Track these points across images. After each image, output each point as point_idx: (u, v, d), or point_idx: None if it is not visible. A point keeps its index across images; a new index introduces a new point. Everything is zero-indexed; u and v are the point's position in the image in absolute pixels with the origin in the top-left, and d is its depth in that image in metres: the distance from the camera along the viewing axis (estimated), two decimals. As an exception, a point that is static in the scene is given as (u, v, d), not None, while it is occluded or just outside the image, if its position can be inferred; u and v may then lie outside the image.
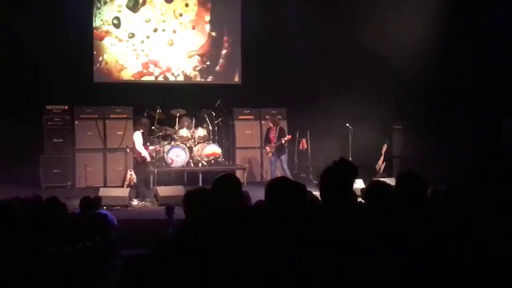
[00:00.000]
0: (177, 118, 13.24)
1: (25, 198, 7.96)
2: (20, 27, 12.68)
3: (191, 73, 14.77)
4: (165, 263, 3.49)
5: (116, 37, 14.25)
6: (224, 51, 14.93)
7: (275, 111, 14.39)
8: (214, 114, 13.47)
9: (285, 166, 12.76)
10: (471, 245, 3.21)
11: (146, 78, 14.46)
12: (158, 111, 12.64)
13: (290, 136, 12.79)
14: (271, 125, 12.96)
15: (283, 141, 12.64)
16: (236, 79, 14.94)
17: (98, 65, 14.15)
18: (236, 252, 3.35)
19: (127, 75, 14.36)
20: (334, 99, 13.22)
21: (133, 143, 11.70)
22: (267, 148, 13.01)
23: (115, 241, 8.10)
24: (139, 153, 11.43)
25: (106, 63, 14.19)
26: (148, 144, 11.85)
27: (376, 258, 3.20)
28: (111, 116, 13.56)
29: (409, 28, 12.52)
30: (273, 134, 12.84)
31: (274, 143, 12.74)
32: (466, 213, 3.36)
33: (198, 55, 14.80)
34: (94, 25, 14.07)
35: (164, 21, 14.55)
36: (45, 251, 5.25)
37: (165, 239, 3.99)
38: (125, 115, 13.57)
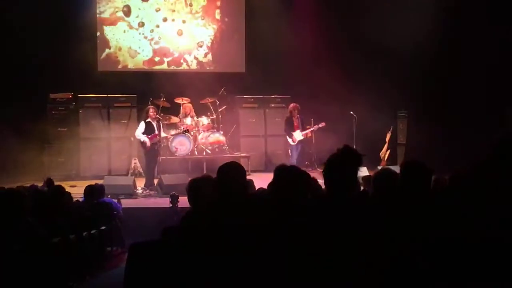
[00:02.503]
0: (181, 107, 13.24)
1: (30, 187, 8.01)
2: (24, 15, 12.67)
3: (201, 59, 14.82)
4: (169, 251, 3.50)
5: (128, 25, 14.27)
6: (229, 40, 14.90)
7: (279, 99, 14.39)
8: (218, 102, 13.47)
9: (296, 154, 12.73)
10: (474, 234, 3.21)
11: (157, 66, 14.49)
12: (162, 99, 12.62)
13: (324, 123, 12.74)
14: (294, 114, 12.74)
15: (317, 128, 12.71)
16: (240, 67, 14.92)
17: (107, 52, 14.14)
18: (240, 239, 3.35)
19: (138, 61, 14.36)
20: (338, 86, 13.18)
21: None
22: (294, 136, 12.65)
23: (120, 229, 8.14)
24: (140, 142, 11.35)
25: (119, 49, 14.23)
26: (157, 132, 11.61)
27: (379, 246, 3.20)
28: (115, 104, 13.53)
29: (416, 16, 12.46)
30: (296, 123, 12.71)
31: (302, 130, 12.63)
32: (474, 202, 3.36)
33: (206, 44, 14.78)
34: (98, 13, 14.03)
35: (174, 10, 14.54)
36: (50, 240, 5.27)
37: (170, 227, 3.99)
38: (129, 104, 13.55)
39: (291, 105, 12.95)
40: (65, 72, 12.99)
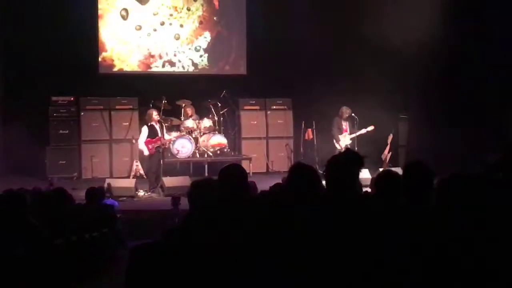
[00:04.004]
0: (182, 109, 13.24)
1: (33, 189, 8.01)
2: (25, 17, 12.70)
3: (199, 63, 14.76)
4: (171, 253, 3.50)
5: (125, 28, 14.23)
6: (230, 42, 14.89)
7: (281, 101, 14.40)
8: (219, 104, 13.46)
9: None
10: (483, 238, 3.20)
11: (152, 70, 14.45)
12: (163, 101, 12.62)
13: (374, 127, 12.46)
14: (346, 115, 12.55)
15: (365, 132, 12.40)
16: (242, 69, 14.90)
17: (103, 55, 14.13)
18: (242, 241, 3.35)
19: (134, 64, 14.34)
20: (340, 88, 13.18)
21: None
22: (341, 141, 12.43)
23: (121, 231, 8.14)
24: (148, 146, 11.36)
25: (116, 53, 14.18)
26: (160, 135, 11.60)
27: (380, 246, 3.20)
28: (117, 107, 13.53)
29: (418, 17, 12.43)
30: (345, 126, 12.57)
31: (349, 133, 12.48)
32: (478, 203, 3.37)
33: (205, 48, 14.76)
34: (99, 14, 14.02)
35: (171, 15, 14.52)
36: (52, 242, 5.27)
37: (171, 230, 3.99)
38: (131, 106, 13.55)
39: (343, 107, 12.63)
40: (67, 74, 12.99)
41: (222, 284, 3.26)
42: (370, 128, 12.49)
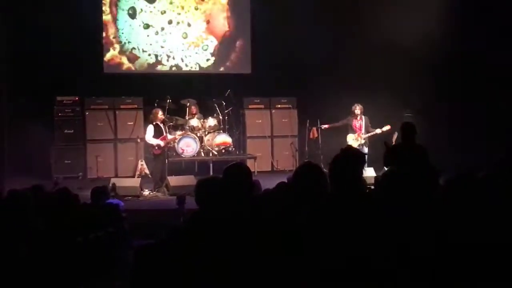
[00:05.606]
0: (187, 108, 13.24)
1: (37, 189, 8.01)
2: (30, 17, 12.71)
3: (205, 64, 14.75)
4: (176, 252, 3.50)
5: (133, 27, 14.27)
6: (235, 42, 14.89)
7: (285, 100, 14.38)
8: (224, 103, 13.46)
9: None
10: (480, 236, 3.19)
11: (160, 67, 14.47)
12: (168, 101, 12.63)
13: (390, 127, 11.99)
14: (358, 112, 12.16)
15: (380, 131, 11.97)
16: (247, 68, 14.89)
17: (109, 55, 14.16)
18: (247, 240, 3.35)
19: (141, 64, 14.36)
20: (344, 87, 13.16)
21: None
22: (347, 140, 12.05)
23: (127, 231, 8.14)
24: (152, 146, 11.35)
25: (124, 51, 14.22)
26: (165, 134, 11.58)
27: (386, 245, 3.19)
28: (122, 106, 13.57)
29: (421, 16, 12.41)
30: (359, 124, 12.21)
31: (362, 133, 12.13)
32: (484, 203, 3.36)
33: (211, 47, 14.76)
34: (104, 13, 14.03)
35: (179, 13, 14.53)
36: (57, 242, 5.28)
37: (176, 229, 3.99)
38: (136, 106, 13.59)
39: (354, 104, 12.26)
40: (71, 74, 13.01)
41: (227, 283, 3.26)
42: (386, 127, 12.08)
